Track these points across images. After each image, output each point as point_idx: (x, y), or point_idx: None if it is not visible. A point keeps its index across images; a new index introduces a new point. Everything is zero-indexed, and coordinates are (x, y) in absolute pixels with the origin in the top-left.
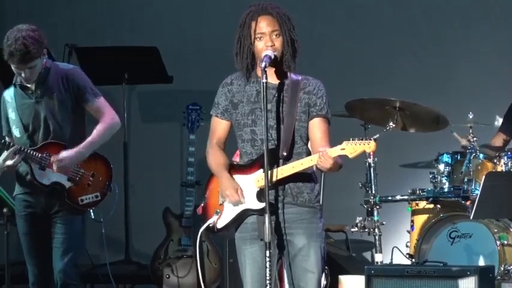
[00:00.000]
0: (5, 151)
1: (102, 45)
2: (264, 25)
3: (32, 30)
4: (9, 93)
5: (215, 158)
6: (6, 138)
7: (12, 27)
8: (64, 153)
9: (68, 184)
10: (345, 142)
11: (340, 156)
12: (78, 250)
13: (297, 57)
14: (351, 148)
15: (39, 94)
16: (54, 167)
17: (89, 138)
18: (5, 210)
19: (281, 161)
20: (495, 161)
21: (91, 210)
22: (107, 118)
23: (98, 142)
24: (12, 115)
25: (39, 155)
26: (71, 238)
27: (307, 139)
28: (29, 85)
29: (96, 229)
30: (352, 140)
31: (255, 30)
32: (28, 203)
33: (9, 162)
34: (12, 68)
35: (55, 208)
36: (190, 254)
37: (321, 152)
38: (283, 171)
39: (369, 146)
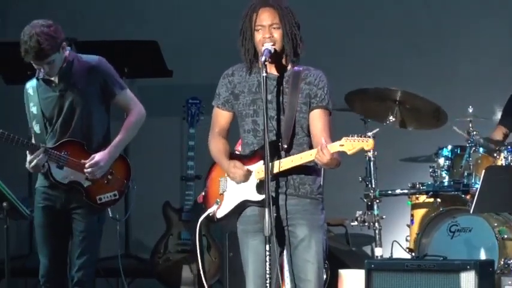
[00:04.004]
0: (30, 152)
1: (101, 39)
2: (264, 17)
3: (46, 26)
4: (31, 86)
5: (216, 146)
6: (33, 140)
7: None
8: (98, 156)
9: (86, 183)
10: (344, 138)
11: (338, 152)
12: (96, 248)
13: (300, 52)
14: (349, 145)
15: (62, 87)
16: (91, 171)
17: (119, 136)
18: (4, 204)
19: (282, 152)
20: (495, 155)
21: (108, 209)
22: (134, 112)
23: (127, 139)
24: (33, 109)
25: (57, 153)
26: (89, 237)
27: (309, 130)
28: (52, 78)
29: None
30: (351, 136)
31: (255, 22)
32: (47, 196)
33: (35, 162)
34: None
35: (74, 204)
36: (189, 248)
37: (319, 146)
38: (283, 164)
39: (367, 143)
